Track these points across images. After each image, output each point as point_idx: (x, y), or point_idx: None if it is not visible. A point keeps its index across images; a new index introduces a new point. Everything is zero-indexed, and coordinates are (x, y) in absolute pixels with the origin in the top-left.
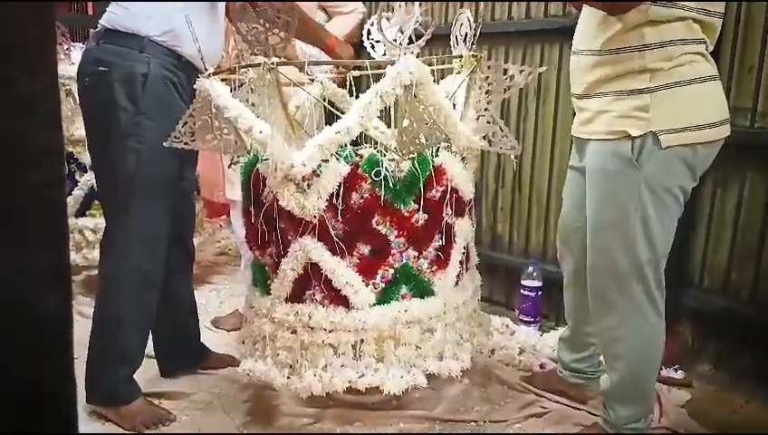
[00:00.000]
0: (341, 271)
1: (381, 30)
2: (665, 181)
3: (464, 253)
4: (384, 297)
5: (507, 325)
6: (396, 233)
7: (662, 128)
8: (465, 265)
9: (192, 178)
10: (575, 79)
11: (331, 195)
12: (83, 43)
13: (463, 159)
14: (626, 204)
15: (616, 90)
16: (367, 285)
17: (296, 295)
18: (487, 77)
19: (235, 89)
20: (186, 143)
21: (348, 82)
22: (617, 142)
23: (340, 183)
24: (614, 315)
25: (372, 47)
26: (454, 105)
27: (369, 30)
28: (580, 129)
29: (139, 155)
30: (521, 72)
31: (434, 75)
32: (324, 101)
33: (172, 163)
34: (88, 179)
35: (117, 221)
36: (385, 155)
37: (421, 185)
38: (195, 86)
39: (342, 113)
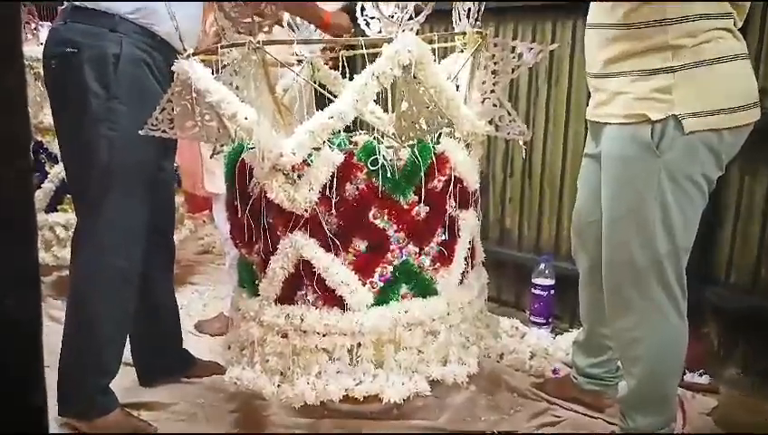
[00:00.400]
0: (336, 269)
1: (377, 5)
2: (687, 169)
3: (469, 248)
4: (382, 297)
5: (517, 327)
6: (395, 227)
7: (685, 111)
8: (470, 262)
9: (171, 168)
10: (590, 56)
11: (324, 186)
12: (52, 22)
13: (467, 145)
14: (644, 193)
15: (635, 69)
16: (364, 284)
17: (287, 296)
18: (493, 56)
19: (217, 71)
20: (164, 131)
21: (341, 63)
22: (635, 127)
23: (334, 173)
24: (631, 315)
25: (367, 24)
26: (457, 87)
27: (363, 6)
28: (595, 112)
29: (112, 143)
30: (530, 50)
31: (435, 54)
32: (315, 83)
33: (149, 152)
34: (58, 171)
35: (89, 216)
36: (382, 142)
37: (422, 174)
38: (173, 68)
39: (335, 96)
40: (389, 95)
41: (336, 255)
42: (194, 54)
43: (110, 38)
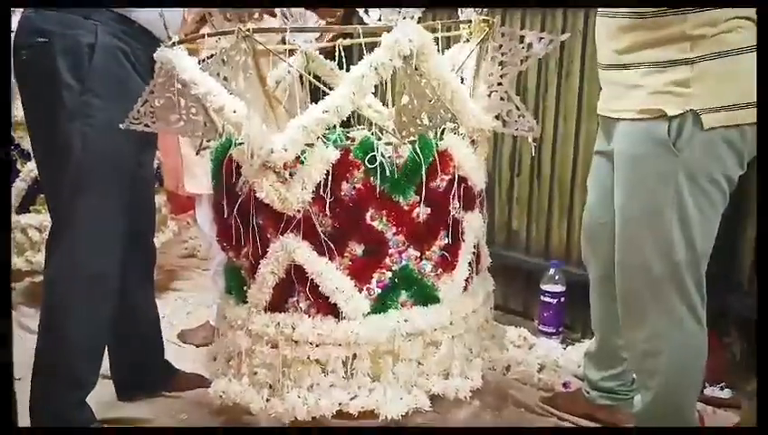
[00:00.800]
0: (330, 275)
1: None
2: (707, 168)
3: (474, 253)
4: (380, 305)
5: (525, 338)
6: (394, 230)
7: (705, 106)
8: (475, 268)
9: (150, 164)
10: (602, 46)
11: (318, 185)
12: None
13: (472, 142)
14: (660, 194)
15: (650, 60)
16: (360, 290)
17: (277, 304)
18: (501, 46)
19: (202, 60)
20: (146, 125)
21: (337, 53)
22: (651, 123)
23: (328, 171)
24: (647, 325)
25: (366, 11)
26: (462, 79)
27: None
28: (606, 106)
29: (87, 139)
30: (540, 39)
31: (438, 44)
32: (309, 74)
33: (127, 148)
34: (31, 169)
35: (64, 218)
36: (381, 138)
37: (423, 173)
38: (155, 57)
39: (330, 89)
40: (389, 88)
41: (330, 259)
42: (179, 42)
43: (85, 26)
